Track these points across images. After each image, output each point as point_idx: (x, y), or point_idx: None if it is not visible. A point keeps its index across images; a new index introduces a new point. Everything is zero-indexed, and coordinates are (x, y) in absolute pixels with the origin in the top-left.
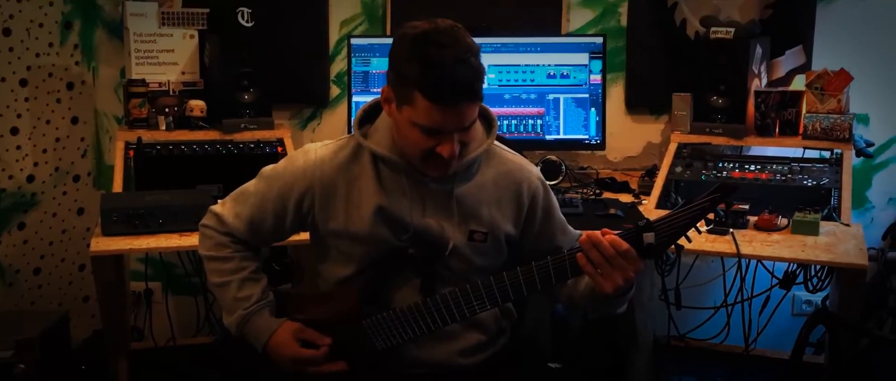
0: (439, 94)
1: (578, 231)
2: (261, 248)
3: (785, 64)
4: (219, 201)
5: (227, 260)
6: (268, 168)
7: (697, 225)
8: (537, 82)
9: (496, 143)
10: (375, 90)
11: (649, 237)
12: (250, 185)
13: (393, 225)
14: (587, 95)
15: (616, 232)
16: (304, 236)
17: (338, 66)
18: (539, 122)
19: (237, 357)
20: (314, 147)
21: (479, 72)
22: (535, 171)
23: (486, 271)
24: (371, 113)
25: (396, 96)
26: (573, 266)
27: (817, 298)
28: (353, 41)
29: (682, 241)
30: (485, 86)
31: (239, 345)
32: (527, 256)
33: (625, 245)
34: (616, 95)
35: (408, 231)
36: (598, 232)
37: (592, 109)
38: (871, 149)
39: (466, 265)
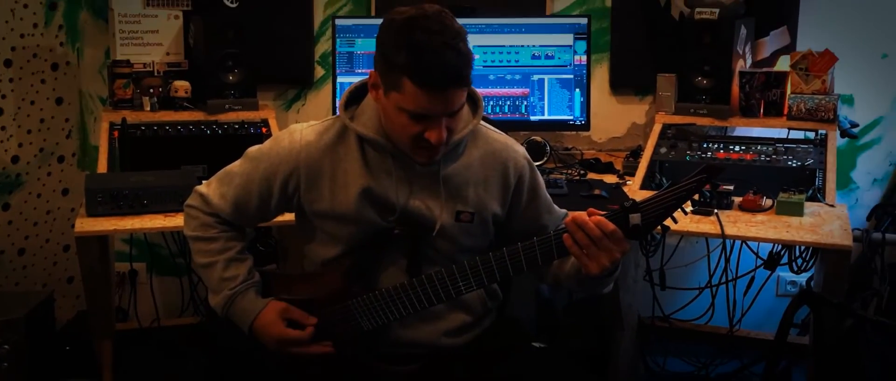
0: (427, 79)
1: (564, 211)
2: (246, 228)
3: (769, 44)
4: (204, 181)
5: (212, 240)
6: (253, 149)
7: (683, 206)
8: (522, 63)
9: (482, 123)
10: (360, 71)
11: (635, 218)
12: (235, 165)
13: (379, 207)
14: (572, 76)
15: (602, 213)
16: (290, 216)
17: (322, 46)
18: (523, 103)
19: (223, 338)
20: (299, 128)
21: (466, 57)
22: (522, 150)
23: (473, 252)
24: (357, 95)
25: (384, 82)
26: (559, 247)
27: (802, 278)
28: (338, 22)
29: (667, 222)
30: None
31: (225, 325)
32: (513, 236)
33: (611, 226)
34: (600, 76)
35: (394, 213)
36: (583, 213)
37: (577, 90)
38: (855, 130)
39: (453, 246)
